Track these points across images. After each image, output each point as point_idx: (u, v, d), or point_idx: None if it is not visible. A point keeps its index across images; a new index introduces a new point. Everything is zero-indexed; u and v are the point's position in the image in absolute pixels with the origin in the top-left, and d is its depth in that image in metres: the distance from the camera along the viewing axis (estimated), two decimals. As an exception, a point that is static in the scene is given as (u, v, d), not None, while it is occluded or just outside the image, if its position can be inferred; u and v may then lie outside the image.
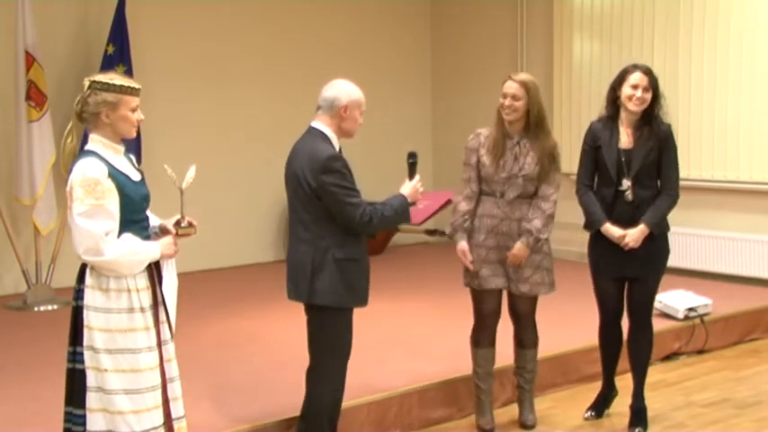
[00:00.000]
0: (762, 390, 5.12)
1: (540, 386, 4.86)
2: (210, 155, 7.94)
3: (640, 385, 4.49)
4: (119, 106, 3.22)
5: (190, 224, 3.43)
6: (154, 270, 3.31)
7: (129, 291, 3.20)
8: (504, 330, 4.49)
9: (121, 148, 3.31)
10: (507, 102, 4.21)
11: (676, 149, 4.35)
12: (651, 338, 4.50)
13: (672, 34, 7.36)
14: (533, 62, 8.56)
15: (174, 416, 3.34)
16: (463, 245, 4.30)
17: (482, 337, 4.44)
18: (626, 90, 4.26)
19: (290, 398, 4.24)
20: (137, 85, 3.28)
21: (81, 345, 3.19)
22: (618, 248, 4.30)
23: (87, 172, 3.14)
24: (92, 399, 3.18)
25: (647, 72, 4.26)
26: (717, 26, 7.09)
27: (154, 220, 3.42)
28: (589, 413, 4.67)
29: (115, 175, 3.19)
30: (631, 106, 4.26)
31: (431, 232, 8.19)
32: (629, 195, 4.31)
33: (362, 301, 3.82)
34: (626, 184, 4.30)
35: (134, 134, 3.32)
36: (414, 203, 3.83)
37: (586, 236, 4.51)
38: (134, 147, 6.97)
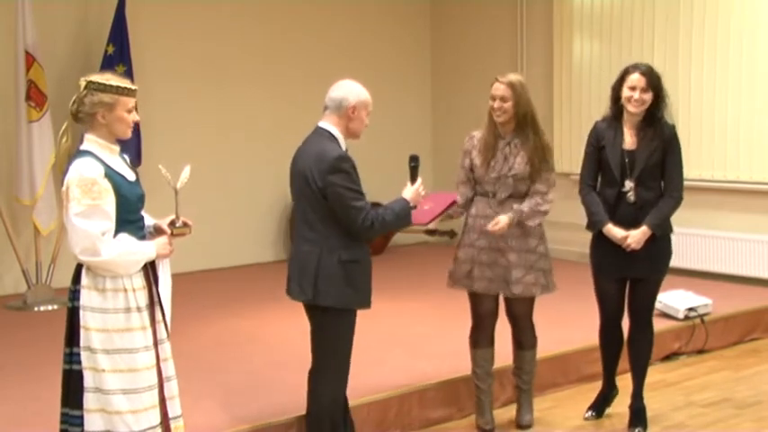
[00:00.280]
0: (762, 390, 5.12)
1: (540, 386, 4.86)
2: (210, 155, 7.95)
3: (640, 385, 4.49)
4: (115, 107, 3.22)
5: (185, 224, 3.44)
6: (149, 270, 3.32)
7: (125, 290, 3.21)
8: (504, 330, 4.49)
9: (117, 149, 3.31)
10: (496, 104, 4.21)
11: (680, 151, 4.34)
12: (651, 339, 4.49)
13: (672, 34, 7.36)
14: (533, 62, 8.56)
15: (170, 415, 3.35)
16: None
17: (480, 337, 4.45)
18: (625, 91, 4.26)
19: (290, 398, 4.25)
20: (133, 86, 3.29)
21: (78, 345, 3.19)
22: (620, 249, 4.29)
23: (84, 172, 3.14)
24: (89, 399, 3.18)
25: (646, 72, 4.23)
26: (717, 26, 7.08)
27: (148, 220, 3.43)
28: (589, 413, 4.67)
29: (111, 175, 3.20)
30: (630, 107, 4.25)
31: (431, 232, 8.16)
32: (631, 196, 4.30)
33: (366, 302, 3.82)
34: (629, 185, 4.30)
35: (129, 135, 3.32)
36: (415, 207, 3.83)
37: (587, 236, 4.51)
38: (134, 147, 6.99)
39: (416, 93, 9.53)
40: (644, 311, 4.45)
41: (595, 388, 4.75)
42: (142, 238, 3.31)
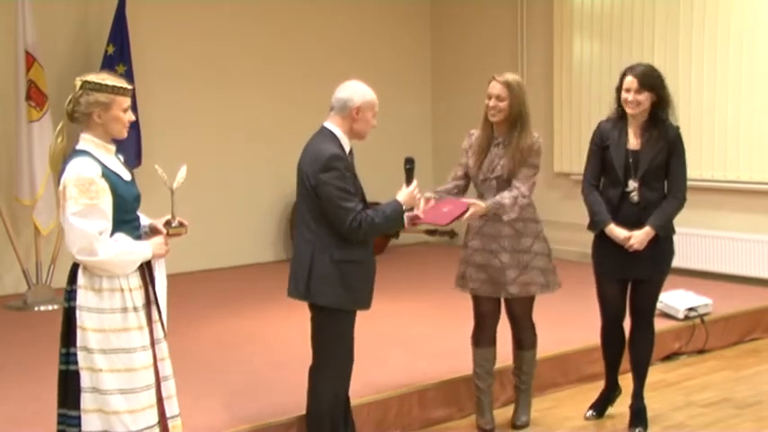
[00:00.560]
0: (762, 390, 5.11)
1: (540, 386, 4.86)
2: (210, 155, 7.95)
3: (640, 385, 4.49)
4: (111, 107, 3.22)
5: (180, 224, 3.44)
6: (146, 270, 3.32)
7: (122, 290, 3.21)
8: (506, 330, 4.49)
9: (113, 148, 3.32)
10: (492, 102, 4.18)
11: (684, 153, 4.34)
12: (652, 339, 4.49)
13: (672, 34, 7.35)
14: (533, 62, 8.56)
15: (168, 414, 3.35)
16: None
17: (482, 337, 4.45)
18: (622, 93, 4.28)
19: (290, 398, 4.25)
20: (128, 86, 3.29)
21: (74, 346, 3.19)
22: (622, 250, 4.29)
23: (82, 171, 3.14)
24: (87, 399, 3.18)
25: (638, 74, 4.22)
26: (717, 26, 7.08)
27: (144, 220, 3.43)
28: (590, 413, 4.67)
29: (108, 175, 3.20)
30: (627, 109, 4.28)
31: (431, 232, 8.18)
32: (635, 197, 4.30)
33: (363, 303, 3.81)
34: (632, 185, 4.29)
35: (125, 134, 3.32)
36: (410, 209, 3.80)
37: (587, 236, 4.50)
38: (134, 147, 6.99)
39: (416, 93, 9.53)
40: (645, 312, 4.44)
41: (596, 388, 4.74)
42: (138, 238, 3.31)
